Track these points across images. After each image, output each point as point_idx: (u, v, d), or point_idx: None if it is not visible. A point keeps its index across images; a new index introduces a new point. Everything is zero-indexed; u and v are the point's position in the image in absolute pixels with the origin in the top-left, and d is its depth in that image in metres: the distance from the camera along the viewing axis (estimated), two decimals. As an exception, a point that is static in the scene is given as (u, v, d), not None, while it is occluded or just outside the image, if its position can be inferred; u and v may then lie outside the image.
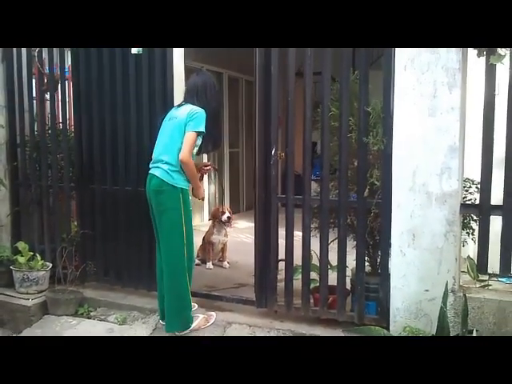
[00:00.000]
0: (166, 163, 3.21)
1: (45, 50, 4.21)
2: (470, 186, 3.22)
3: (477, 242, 2.95)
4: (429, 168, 2.88)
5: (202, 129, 3.17)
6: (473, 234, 3.17)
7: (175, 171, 3.20)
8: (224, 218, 4.60)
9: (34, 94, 4.35)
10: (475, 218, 3.12)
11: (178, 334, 3.32)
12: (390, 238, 3.04)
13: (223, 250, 4.83)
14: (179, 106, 3.33)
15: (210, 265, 4.67)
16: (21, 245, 4.10)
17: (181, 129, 3.18)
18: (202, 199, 3.58)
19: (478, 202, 2.98)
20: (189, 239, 3.33)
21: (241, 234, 4.42)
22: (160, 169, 3.23)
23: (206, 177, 7.17)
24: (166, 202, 3.23)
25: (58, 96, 4.29)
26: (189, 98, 3.30)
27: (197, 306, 3.65)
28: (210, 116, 3.24)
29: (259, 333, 3.36)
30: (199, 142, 3.24)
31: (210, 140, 3.36)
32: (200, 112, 3.19)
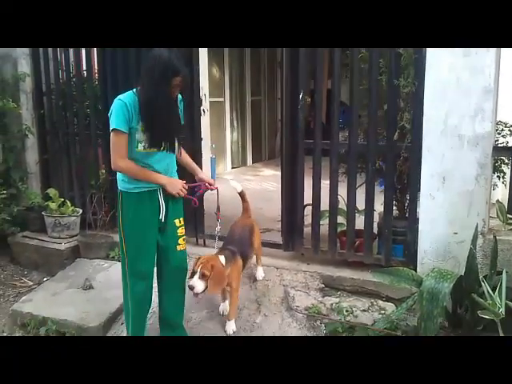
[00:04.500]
0: None
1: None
2: (503, 129, 3.18)
3: (508, 185, 2.93)
4: (461, 110, 2.83)
5: (114, 125, 2.50)
6: (503, 178, 3.15)
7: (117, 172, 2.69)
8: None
9: (58, 42, 4.33)
10: (507, 161, 3.09)
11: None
12: (419, 182, 3.04)
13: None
14: None
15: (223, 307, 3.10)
16: (51, 191, 4.20)
17: None
18: (179, 195, 2.65)
19: (510, 144, 2.94)
20: (134, 252, 2.67)
21: (264, 182, 4.35)
22: None
23: (227, 124, 7.21)
24: None
25: (81, 43, 4.26)
26: None
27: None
28: (152, 103, 2.47)
29: (286, 275, 3.43)
30: (140, 136, 2.54)
31: (155, 131, 2.53)
32: (112, 107, 2.54)
